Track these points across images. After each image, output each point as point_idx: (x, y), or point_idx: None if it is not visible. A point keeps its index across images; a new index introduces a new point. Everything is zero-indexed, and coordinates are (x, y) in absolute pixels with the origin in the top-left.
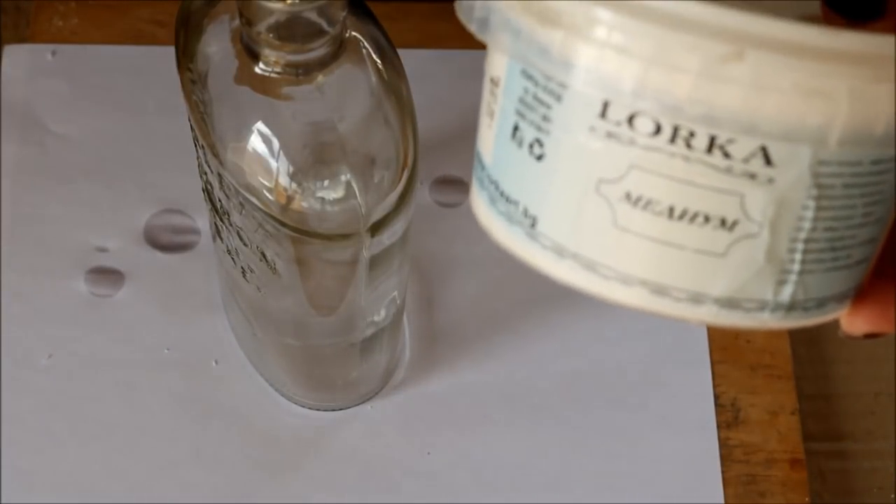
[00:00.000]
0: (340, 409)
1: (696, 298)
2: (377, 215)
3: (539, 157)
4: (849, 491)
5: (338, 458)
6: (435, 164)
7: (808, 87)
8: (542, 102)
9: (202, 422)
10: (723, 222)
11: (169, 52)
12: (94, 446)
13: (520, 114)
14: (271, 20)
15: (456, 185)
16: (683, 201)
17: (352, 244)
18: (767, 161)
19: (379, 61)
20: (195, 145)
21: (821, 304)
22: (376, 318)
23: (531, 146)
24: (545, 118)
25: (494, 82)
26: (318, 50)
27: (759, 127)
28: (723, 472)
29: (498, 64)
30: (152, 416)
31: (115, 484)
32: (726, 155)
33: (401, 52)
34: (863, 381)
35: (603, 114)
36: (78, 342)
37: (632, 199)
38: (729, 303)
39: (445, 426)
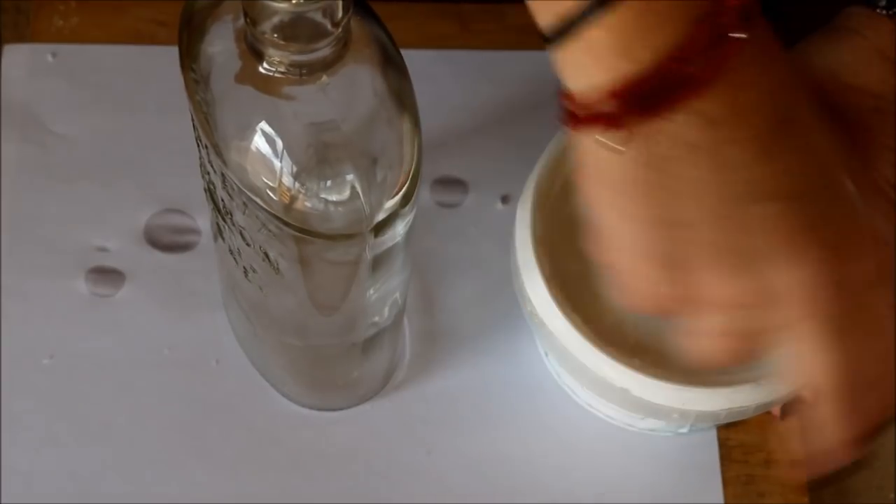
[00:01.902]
0: (340, 409)
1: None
2: (380, 215)
3: None
4: (849, 491)
5: (338, 458)
6: (435, 164)
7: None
8: None
9: (202, 422)
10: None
11: (169, 51)
12: (94, 446)
13: None
14: (276, 20)
15: (456, 185)
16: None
17: (355, 244)
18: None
19: (383, 61)
20: (198, 145)
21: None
22: (378, 319)
23: None
24: None
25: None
26: (323, 50)
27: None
28: (722, 472)
29: None
30: (152, 416)
31: (115, 484)
32: None
33: (401, 52)
34: None
35: None
36: (78, 342)
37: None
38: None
39: (445, 426)
